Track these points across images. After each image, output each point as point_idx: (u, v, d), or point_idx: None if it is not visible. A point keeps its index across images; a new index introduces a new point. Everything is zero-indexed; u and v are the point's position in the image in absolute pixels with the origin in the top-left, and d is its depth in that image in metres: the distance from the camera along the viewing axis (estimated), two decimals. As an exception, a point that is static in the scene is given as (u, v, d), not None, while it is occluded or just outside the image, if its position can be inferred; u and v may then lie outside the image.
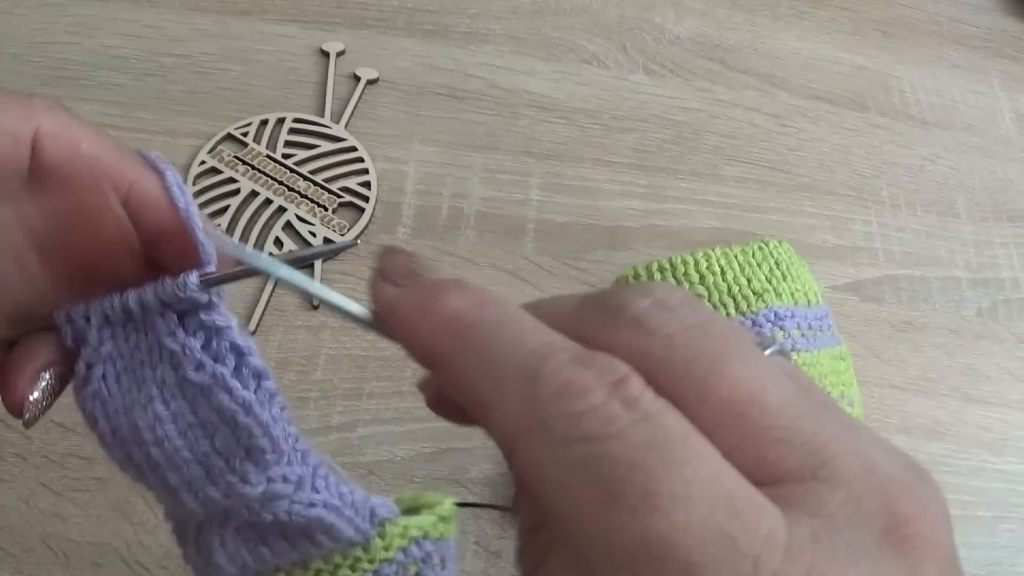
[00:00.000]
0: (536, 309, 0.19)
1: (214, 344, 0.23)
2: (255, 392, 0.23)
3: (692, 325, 0.17)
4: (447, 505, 0.28)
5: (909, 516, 0.17)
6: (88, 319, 0.23)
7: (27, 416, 0.23)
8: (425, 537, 0.28)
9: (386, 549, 0.27)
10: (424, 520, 0.28)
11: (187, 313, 0.23)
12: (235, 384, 0.23)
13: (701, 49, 0.66)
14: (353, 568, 0.27)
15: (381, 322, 0.20)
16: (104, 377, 0.23)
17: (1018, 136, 0.65)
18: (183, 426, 0.23)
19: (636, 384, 0.16)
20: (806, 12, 0.70)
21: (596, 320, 0.18)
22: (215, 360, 0.23)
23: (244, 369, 0.24)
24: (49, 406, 0.24)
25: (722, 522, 0.15)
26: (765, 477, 0.16)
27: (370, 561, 0.27)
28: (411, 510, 0.29)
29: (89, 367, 0.23)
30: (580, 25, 0.66)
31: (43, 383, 0.23)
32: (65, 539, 0.42)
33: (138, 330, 0.24)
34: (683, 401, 0.16)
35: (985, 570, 0.46)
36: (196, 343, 0.23)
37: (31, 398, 0.23)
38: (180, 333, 0.23)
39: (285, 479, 0.25)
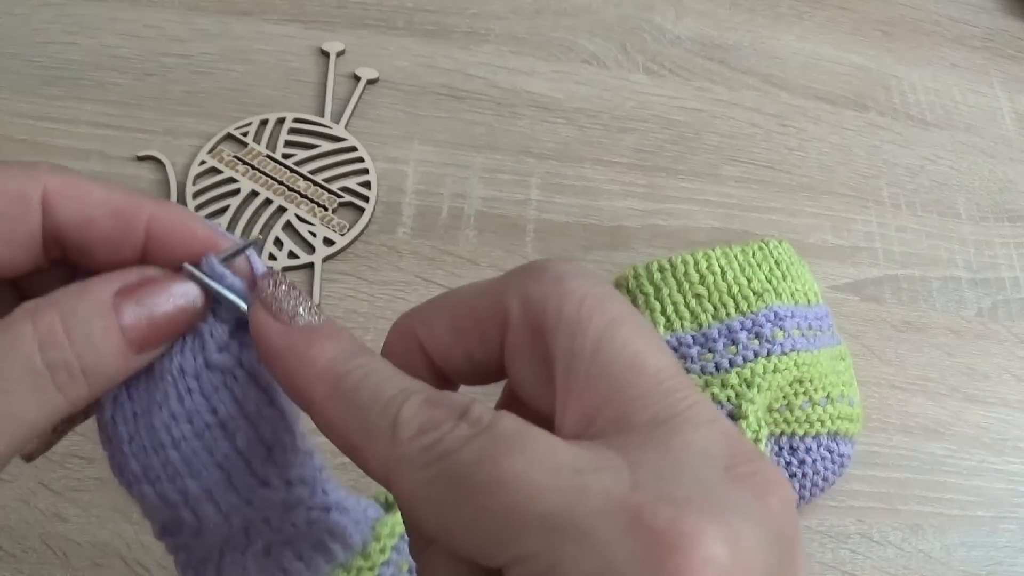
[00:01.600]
0: (454, 293, 0.23)
1: (238, 332, 0.22)
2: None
3: (601, 292, 0.21)
4: None
5: (749, 459, 0.19)
6: None
7: (28, 449, 0.23)
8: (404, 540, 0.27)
9: (382, 551, 0.27)
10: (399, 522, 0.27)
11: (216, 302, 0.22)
12: (261, 369, 0.22)
13: (701, 49, 0.66)
14: None
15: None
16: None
17: (1018, 136, 0.65)
18: (200, 426, 0.22)
19: (478, 408, 0.19)
20: (806, 12, 0.70)
21: (522, 276, 0.22)
22: (240, 344, 0.22)
23: None
24: (51, 445, 0.23)
25: (567, 480, 0.17)
26: (624, 427, 0.19)
27: (370, 569, 0.26)
28: (389, 505, 0.29)
29: None
30: (580, 25, 0.66)
31: None
32: (65, 539, 0.42)
33: None
34: (580, 353, 0.20)
35: (985, 570, 0.46)
36: (223, 327, 0.22)
37: None
38: (208, 316, 0.22)
39: (302, 481, 0.24)
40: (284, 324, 0.21)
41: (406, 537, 0.27)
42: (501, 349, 0.22)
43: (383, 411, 0.19)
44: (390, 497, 0.29)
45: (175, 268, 0.22)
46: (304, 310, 0.21)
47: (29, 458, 0.23)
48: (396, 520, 0.28)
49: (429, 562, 0.20)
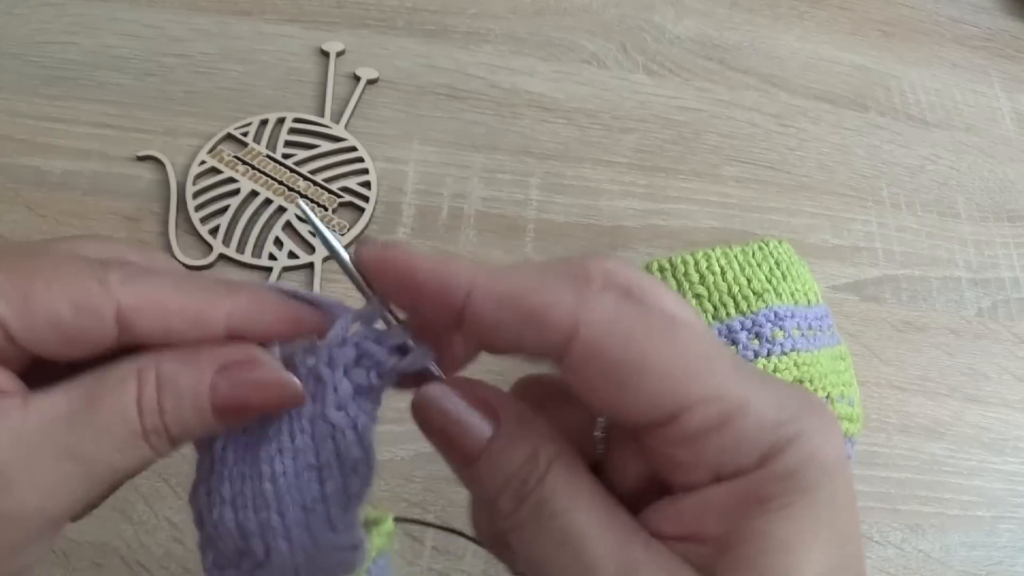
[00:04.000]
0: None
1: (359, 393, 0.23)
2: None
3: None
4: (389, 523, 0.29)
5: None
6: None
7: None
8: (379, 556, 0.28)
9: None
10: (378, 541, 0.28)
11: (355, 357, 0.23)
12: (366, 432, 0.23)
13: (701, 49, 0.66)
14: None
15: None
16: None
17: (1018, 136, 0.65)
18: (300, 466, 0.23)
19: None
20: (806, 12, 0.70)
21: (590, 255, 0.23)
22: (358, 406, 0.23)
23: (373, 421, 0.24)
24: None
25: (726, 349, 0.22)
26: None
27: None
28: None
29: None
30: (580, 25, 0.66)
31: None
32: (65, 539, 0.42)
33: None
34: None
35: (985, 570, 0.46)
36: (348, 385, 0.23)
37: None
38: (337, 368, 0.23)
39: (349, 525, 0.25)
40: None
41: (380, 565, 0.28)
42: None
43: (567, 273, 0.21)
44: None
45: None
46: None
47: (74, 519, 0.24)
48: (374, 547, 0.28)
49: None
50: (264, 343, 0.23)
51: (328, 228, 0.24)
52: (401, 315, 0.24)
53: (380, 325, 0.24)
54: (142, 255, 0.24)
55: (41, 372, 0.22)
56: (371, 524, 0.29)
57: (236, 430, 0.23)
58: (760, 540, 0.19)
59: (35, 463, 0.20)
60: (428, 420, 0.22)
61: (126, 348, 0.22)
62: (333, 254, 0.24)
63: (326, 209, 0.53)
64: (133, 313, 0.21)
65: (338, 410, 0.23)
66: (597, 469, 0.23)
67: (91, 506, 0.23)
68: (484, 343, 0.22)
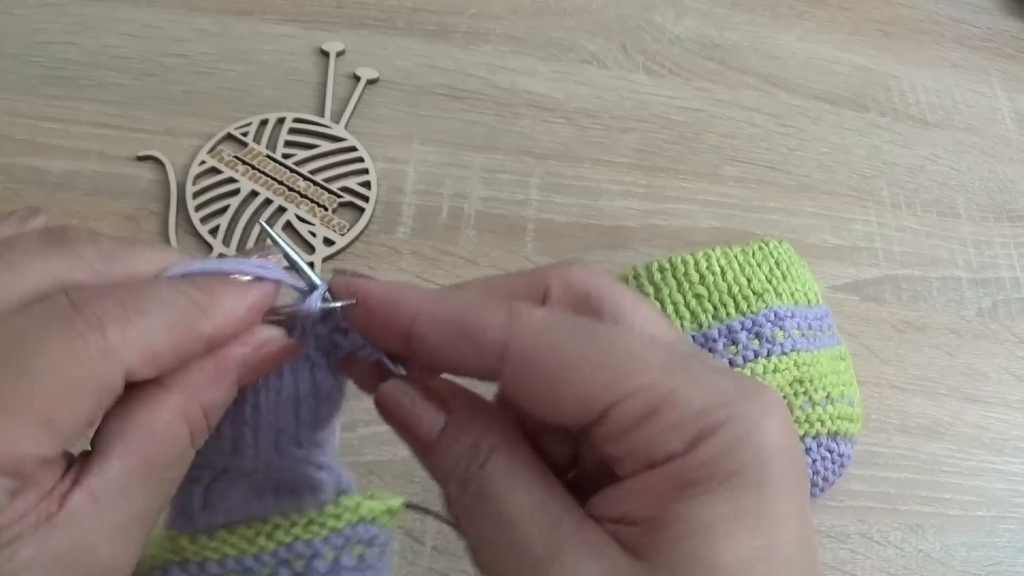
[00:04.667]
0: (483, 278, 0.26)
1: (332, 335, 0.26)
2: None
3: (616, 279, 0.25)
4: (398, 501, 0.30)
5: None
6: None
7: None
8: (372, 521, 0.29)
9: (336, 518, 0.28)
10: (375, 505, 0.29)
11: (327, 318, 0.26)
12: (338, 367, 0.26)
13: (701, 49, 0.66)
14: (305, 528, 0.28)
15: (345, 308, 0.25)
16: None
17: (1018, 136, 0.65)
18: (283, 396, 0.26)
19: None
20: (806, 12, 0.70)
21: (559, 264, 0.25)
22: (332, 342, 0.26)
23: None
24: None
25: (677, 334, 0.25)
26: None
27: (321, 525, 0.28)
28: (365, 497, 0.30)
29: None
30: (580, 25, 0.66)
31: None
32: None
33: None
34: (620, 312, 0.24)
35: (985, 570, 0.46)
36: (325, 329, 0.26)
37: None
38: (320, 327, 0.26)
39: (318, 443, 0.27)
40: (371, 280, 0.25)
41: (371, 532, 0.29)
42: None
43: (499, 299, 0.23)
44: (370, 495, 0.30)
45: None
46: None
47: None
48: (365, 504, 0.29)
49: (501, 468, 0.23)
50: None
51: (283, 239, 0.27)
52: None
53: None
54: (95, 250, 0.23)
55: None
56: (378, 496, 0.30)
57: None
58: (681, 523, 0.20)
59: (118, 545, 0.21)
60: (388, 413, 0.25)
61: None
62: (286, 256, 0.26)
63: (326, 209, 0.53)
64: (137, 369, 0.21)
65: (316, 349, 0.26)
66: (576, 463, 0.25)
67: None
68: (431, 364, 0.24)
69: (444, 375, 0.25)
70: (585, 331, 0.22)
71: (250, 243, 0.52)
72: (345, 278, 0.25)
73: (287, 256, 0.26)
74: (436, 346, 0.23)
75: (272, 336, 0.25)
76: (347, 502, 0.29)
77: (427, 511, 0.28)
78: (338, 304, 0.25)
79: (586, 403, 0.21)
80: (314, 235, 0.52)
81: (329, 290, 0.25)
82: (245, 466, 0.27)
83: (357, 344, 0.26)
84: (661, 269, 0.44)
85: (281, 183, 0.54)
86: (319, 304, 0.25)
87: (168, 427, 0.22)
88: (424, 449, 0.24)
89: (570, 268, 0.25)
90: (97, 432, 0.22)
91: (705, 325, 0.43)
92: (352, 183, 0.55)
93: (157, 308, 0.22)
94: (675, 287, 0.44)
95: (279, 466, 0.27)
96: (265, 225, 0.27)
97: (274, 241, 0.26)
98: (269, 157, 0.55)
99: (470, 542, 0.23)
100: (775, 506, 0.20)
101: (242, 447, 0.26)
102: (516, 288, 0.25)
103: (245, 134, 0.56)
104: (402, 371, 0.26)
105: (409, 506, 0.30)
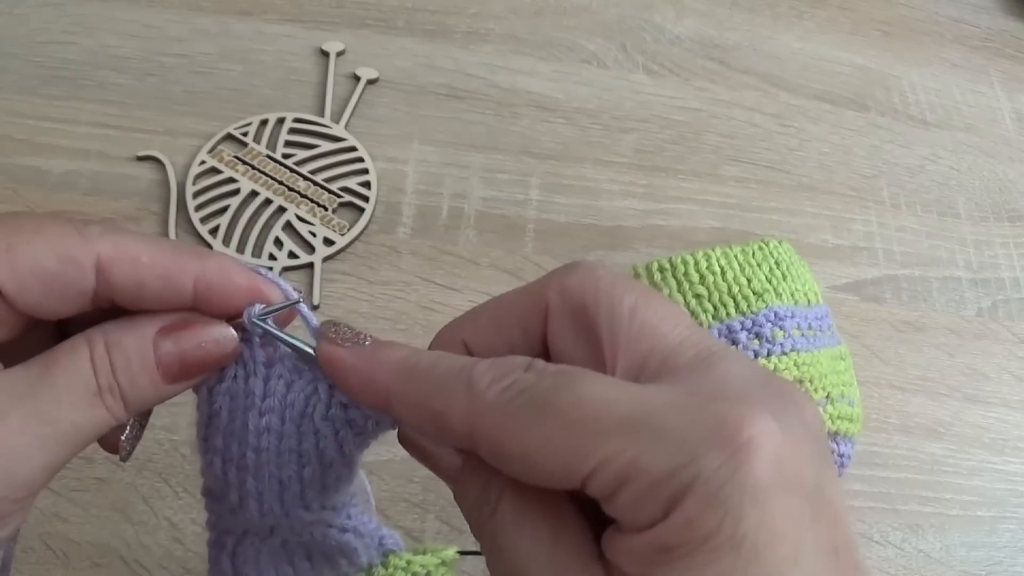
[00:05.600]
0: (493, 299, 0.26)
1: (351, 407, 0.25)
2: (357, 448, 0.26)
3: (624, 277, 0.25)
4: (451, 552, 0.30)
5: (783, 381, 0.23)
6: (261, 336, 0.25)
7: (123, 454, 0.26)
8: (427, 575, 0.29)
9: None
10: (427, 560, 0.29)
11: None
12: (350, 444, 0.25)
13: (701, 49, 0.66)
14: None
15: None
16: (235, 377, 0.25)
17: (1018, 136, 0.65)
18: (284, 447, 0.25)
19: (540, 363, 0.22)
20: (806, 12, 0.70)
21: (556, 273, 0.25)
22: (346, 420, 0.25)
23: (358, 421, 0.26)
24: (139, 439, 0.26)
25: (636, 394, 0.21)
26: (671, 367, 0.23)
27: None
28: (417, 552, 0.30)
29: (230, 369, 0.25)
30: (580, 25, 0.66)
31: (131, 425, 0.26)
32: (65, 539, 0.42)
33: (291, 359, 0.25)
34: (620, 316, 0.23)
35: (985, 570, 0.46)
36: (341, 396, 0.25)
37: (122, 438, 0.26)
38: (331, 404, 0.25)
39: (333, 507, 0.27)
40: (348, 348, 0.24)
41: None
42: (541, 339, 0.25)
43: (458, 375, 0.22)
44: (422, 548, 0.30)
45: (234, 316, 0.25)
46: (364, 338, 0.24)
47: (124, 459, 0.26)
48: (416, 560, 0.29)
49: (489, 498, 0.23)
50: (231, 316, 0.25)
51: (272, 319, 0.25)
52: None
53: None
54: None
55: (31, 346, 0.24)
56: (430, 550, 0.30)
57: (234, 388, 0.25)
58: None
59: (2, 427, 0.22)
60: (412, 451, 0.25)
61: (102, 309, 0.24)
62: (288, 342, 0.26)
63: (326, 209, 0.53)
64: (110, 263, 0.23)
65: (324, 419, 0.25)
66: None
67: (56, 469, 0.24)
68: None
69: None
70: (541, 403, 0.21)
71: (250, 243, 0.52)
72: (326, 349, 0.24)
73: (272, 333, 0.26)
74: (416, 428, 0.24)
75: (203, 321, 0.25)
76: (397, 561, 0.29)
77: (477, 553, 0.28)
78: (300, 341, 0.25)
79: (561, 479, 0.21)
80: (314, 235, 0.52)
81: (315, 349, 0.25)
82: (258, 524, 0.27)
83: (367, 415, 0.25)
84: (661, 269, 0.44)
85: (281, 183, 0.54)
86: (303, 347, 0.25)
87: (72, 346, 0.23)
88: (451, 483, 0.24)
89: (568, 276, 0.24)
90: None
91: (705, 325, 0.43)
92: (352, 183, 0.55)
93: (146, 236, 0.24)
94: (675, 287, 0.44)
95: (296, 528, 0.27)
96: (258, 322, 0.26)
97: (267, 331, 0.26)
98: (269, 157, 0.55)
99: None
100: (761, 561, 0.19)
101: (246, 498, 0.26)
102: (522, 308, 0.25)
103: (245, 134, 0.56)
104: None
105: (463, 553, 0.30)
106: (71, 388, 0.23)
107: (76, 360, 0.23)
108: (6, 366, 0.23)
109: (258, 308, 0.25)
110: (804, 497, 0.20)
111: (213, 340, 0.25)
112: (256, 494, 0.26)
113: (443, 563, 0.30)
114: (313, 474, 0.26)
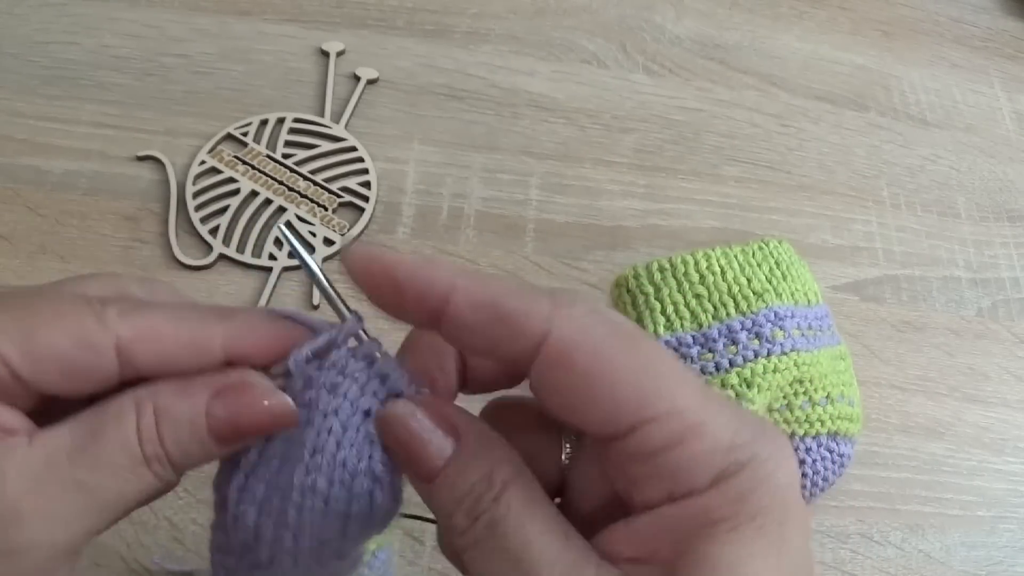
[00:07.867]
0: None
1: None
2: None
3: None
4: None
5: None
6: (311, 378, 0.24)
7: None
8: (379, 549, 0.29)
9: None
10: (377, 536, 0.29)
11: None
12: (398, 491, 0.24)
13: (701, 49, 0.66)
14: None
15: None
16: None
17: (1018, 136, 0.65)
18: (329, 507, 0.23)
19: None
20: (806, 12, 0.70)
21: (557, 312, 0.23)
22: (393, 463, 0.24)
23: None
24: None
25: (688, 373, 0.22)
26: None
27: None
28: None
29: None
30: (580, 25, 0.66)
31: None
32: (65, 539, 0.42)
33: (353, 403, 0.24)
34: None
35: (985, 570, 0.46)
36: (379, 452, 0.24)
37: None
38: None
39: (359, 557, 0.26)
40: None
41: (380, 558, 0.29)
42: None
43: (538, 288, 0.22)
44: None
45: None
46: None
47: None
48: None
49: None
50: (265, 367, 0.24)
51: (306, 248, 0.24)
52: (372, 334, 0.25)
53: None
54: (143, 288, 0.25)
55: (51, 414, 0.23)
56: None
57: (278, 443, 0.24)
58: (708, 563, 0.20)
59: (43, 496, 0.21)
60: (392, 435, 0.23)
61: (129, 382, 0.23)
62: (311, 276, 0.25)
63: (326, 209, 0.53)
64: (132, 345, 0.22)
65: (383, 467, 0.24)
66: (560, 493, 0.24)
67: (99, 532, 0.24)
68: (461, 345, 0.23)
69: (456, 402, 0.25)
70: (628, 339, 0.21)
71: (250, 243, 0.52)
72: (368, 248, 0.23)
73: (317, 281, 0.25)
74: (470, 327, 0.22)
75: (257, 384, 0.23)
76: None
77: (423, 519, 0.27)
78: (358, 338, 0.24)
79: (617, 414, 0.20)
80: (314, 235, 0.52)
81: (364, 330, 0.24)
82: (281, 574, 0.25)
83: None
84: (661, 269, 0.44)
85: (281, 183, 0.54)
86: (348, 345, 0.24)
87: (119, 412, 0.22)
88: (427, 474, 0.23)
89: (556, 314, 0.22)
90: None
91: (705, 325, 0.43)
92: (352, 183, 0.55)
93: (168, 306, 0.23)
94: (675, 287, 0.44)
95: (314, 573, 0.25)
96: (284, 231, 0.26)
97: (293, 249, 0.25)
98: (269, 157, 0.55)
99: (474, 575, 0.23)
100: (793, 549, 0.20)
101: (280, 555, 0.24)
102: (531, 287, 0.24)
103: (245, 134, 0.56)
104: (413, 390, 0.24)
105: (407, 516, 0.29)
106: (116, 459, 0.22)
107: (123, 428, 0.22)
108: (51, 411, 0.22)
109: (303, 352, 0.24)
110: (804, 506, 0.22)
111: (268, 411, 0.23)
112: (293, 551, 0.24)
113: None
114: (356, 534, 0.24)
